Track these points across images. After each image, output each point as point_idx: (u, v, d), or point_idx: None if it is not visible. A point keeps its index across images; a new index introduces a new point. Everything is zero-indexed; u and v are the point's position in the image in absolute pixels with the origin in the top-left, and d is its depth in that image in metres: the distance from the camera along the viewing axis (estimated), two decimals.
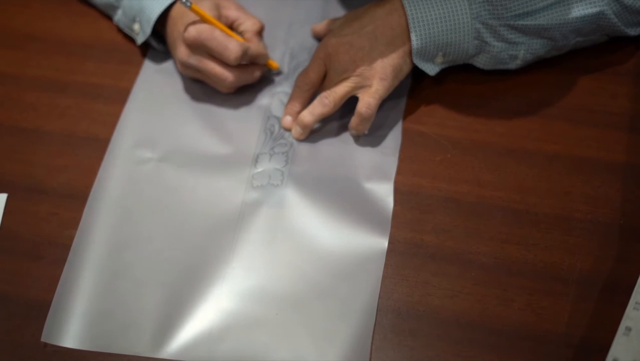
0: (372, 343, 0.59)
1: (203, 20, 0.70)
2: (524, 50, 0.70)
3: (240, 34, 0.73)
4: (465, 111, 0.72)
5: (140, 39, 0.75)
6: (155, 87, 0.75)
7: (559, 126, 0.71)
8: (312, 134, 0.72)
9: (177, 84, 0.76)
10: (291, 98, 0.72)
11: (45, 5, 0.83)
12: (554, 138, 0.70)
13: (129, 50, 0.79)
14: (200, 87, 0.75)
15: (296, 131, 0.71)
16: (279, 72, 0.76)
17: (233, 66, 0.70)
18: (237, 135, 0.72)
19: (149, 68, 0.77)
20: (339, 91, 0.70)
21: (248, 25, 0.73)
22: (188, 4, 0.68)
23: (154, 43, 0.76)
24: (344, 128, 0.72)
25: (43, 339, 0.60)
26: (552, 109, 0.72)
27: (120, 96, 0.75)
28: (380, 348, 0.59)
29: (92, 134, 0.72)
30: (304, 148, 0.71)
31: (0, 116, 0.74)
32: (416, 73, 0.73)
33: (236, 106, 0.74)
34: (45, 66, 0.78)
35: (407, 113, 0.73)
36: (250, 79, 0.73)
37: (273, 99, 0.74)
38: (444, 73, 0.73)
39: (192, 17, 0.70)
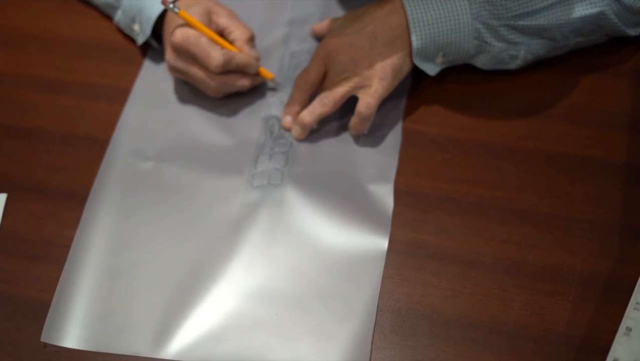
0: (372, 343, 0.59)
1: (191, 26, 0.69)
2: (524, 50, 0.70)
3: (231, 42, 0.72)
4: (465, 111, 0.72)
5: (140, 39, 0.75)
6: (155, 87, 0.75)
7: (559, 126, 0.71)
8: (312, 134, 0.72)
9: (177, 84, 0.75)
10: (291, 98, 0.72)
11: (45, 5, 0.83)
12: (554, 138, 0.70)
13: (129, 50, 0.79)
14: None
15: (296, 131, 0.71)
16: (276, 83, 0.75)
17: (216, 73, 0.70)
18: (237, 135, 0.72)
19: (149, 68, 0.77)
20: (339, 90, 0.70)
21: (237, 34, 0.72)
22: (176, 9, 0.68)
23: (154, 43, 0.76)
24: (344, 128, 0.72)
25: (43, 339, 0.60)
26: (552, 109, 0.72)
27: (120, 96, 0.75)
28: (380, 348, 0.59)
29: (92, 134, 0.72)
30: (304, 148, 0.71)
31: (0, 116, 0.74)
32: (416, 73, 0.73)
33: (236, 106, 0.74)
34: (45, 66, 0.78)
35: (407, 113, 0.73)
36: (235, 88, 0.72)
37: (273, 99, 0.74)
38: (444, 73, 0.73)
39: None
